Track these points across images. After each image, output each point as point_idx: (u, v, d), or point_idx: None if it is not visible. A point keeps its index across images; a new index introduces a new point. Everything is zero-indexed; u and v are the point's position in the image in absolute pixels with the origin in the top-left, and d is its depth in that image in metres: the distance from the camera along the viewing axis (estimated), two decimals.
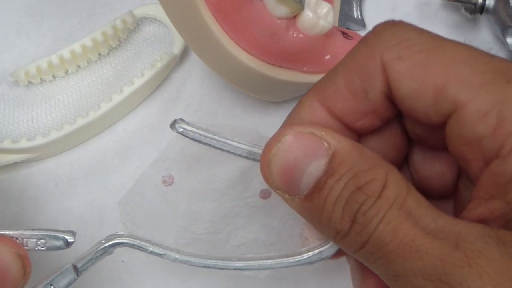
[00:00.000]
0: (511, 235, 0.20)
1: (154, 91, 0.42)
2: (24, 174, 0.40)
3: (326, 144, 0.22)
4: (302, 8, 0.34)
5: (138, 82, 0.40)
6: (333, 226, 0.22)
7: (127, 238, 0.26)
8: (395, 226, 0.21)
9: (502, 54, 0.42)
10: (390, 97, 0.23)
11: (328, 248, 0.25)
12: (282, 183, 0.23)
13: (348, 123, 0.24)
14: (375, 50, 0.23)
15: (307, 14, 0.34)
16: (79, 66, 0.41)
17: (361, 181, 0.21)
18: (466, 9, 0.42)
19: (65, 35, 0.44)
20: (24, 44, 0.44)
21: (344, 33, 0.38)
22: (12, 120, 0.40)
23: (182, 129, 0.25)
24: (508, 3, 0.41)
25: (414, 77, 0.22)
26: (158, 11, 0.42)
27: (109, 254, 0.26)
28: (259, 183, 0.26)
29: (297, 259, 0.26)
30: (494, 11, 0.41)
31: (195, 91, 0.42)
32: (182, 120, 0.26)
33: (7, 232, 0.25)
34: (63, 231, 0.25)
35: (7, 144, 0.38)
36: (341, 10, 0.42)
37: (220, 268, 0.26)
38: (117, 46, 0.42)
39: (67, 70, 0.41)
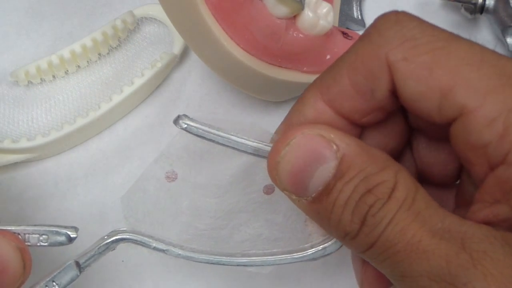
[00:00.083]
0: None
1: (154, 91, 0.42)
2: (24, 174, 0.40)
3: (334, 147, 0.22)
4: (302, 8, 0.34)
5: (138, 82, 0.40)
6: (342, 228, 0.22)
7: (130, 234, 0.26)
8: (403, 227, 0.21)
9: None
10: (396, 94, 0.23)
11: (332, 244, 0.25)
12: (290, 185, 0.23)
13: (354, 121, 0.24)
14: (380, 49, 0.23)
15: (307, 14, 0.34)
16: (79, 66, 0.41)
17: (371, 184, 0.22)
18: (466, 9, 0.42)
19: (65, 35, 0.44)
20: (24, 44, 0.44)
21: (344, 33, 0.38)
22: (12, 120, 0.40)
23: (185, 125, 0.25)
24: (508, 3, 0.41)
25: (419, 79, 0.22)
26: (158, 11, 0.42)
27: (111, 250, 0.26)
28: (262, 179, 0.26)
29: (301, 255, 0.26)
30: (494, 11, 0.41)
31: (195, 91, 0.42)
32: (185, 116, 0.25)
33: (9, 228, 0.25)
34: (65, 227, 0.25)
35: (7, 144, 0.38)
36: (341, 10, 0.42)
37: (223, 264, 0.26)
38: (117, 46, 0.42)
39: (67, 70, 0.41)
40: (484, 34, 0.43)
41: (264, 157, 0.25)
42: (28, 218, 0.38)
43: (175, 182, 0.27)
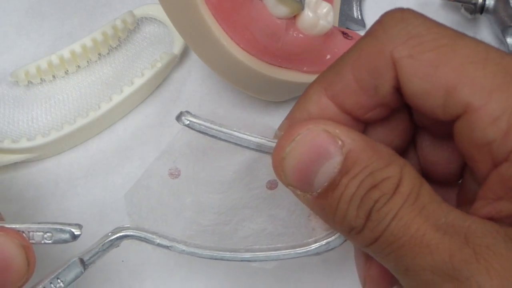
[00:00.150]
0: None
1: (154, 91, 0.42)
2: (24, 174, 0.40)
3: (340, 142, 0.22)
4: (302, 8, 0.34)
5: (138, 82, 0.40)
6: (348, 224, 0.22)
7: (134, 231, 0.26)
8: (408, 221, 0.21)
9: None
10: (400, 91, 0.23)
11: (336, 239, 0.25)
12: (296, 181, 0.23)
13: (358, 116, 0.24)
14: (385, 46, 0.23)
15: (307, 14, 0.34)
16: (79, 66, 0.41)
17: (376, 179, 0.22)
18: (466, 9, 0.42)
19: (65, 35, 0.44)
20: (24, 44, 0.44)
21: (344, 33, 0.38)
22: (12, 120, 0.40)
23: (188, 122, 0.25)
24: (508, 3, 0.41)
25: (424, 77, 0.22)
26: (158, 11, 0.42)
27: (116, 247, 0.26)
28: (265, 174, 0.26)
29: (305, 250, 0.26)
30: (494, 11, 0.41)
31: (195, 91, 0.42)
32: (188, 112, 0.25)
33: (14, 226, 0.25)
34: (69, 224, 0.25)
35: (7, 144, 0.38)
36: (341, 10, 0.42)
37: (227, 260, 0.26)
38: (117, 46, 0.42)
39: (67, 70, 0.41)
40: (484, 34, 0.43)
41: (267, 152, 0.25)
42: (29, 218, 0.38)
43: (178, 179, 0.27)
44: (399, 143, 0.26)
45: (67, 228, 0.25)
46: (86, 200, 0.39)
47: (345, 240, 0.25)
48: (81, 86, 0.41)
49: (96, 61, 0.41)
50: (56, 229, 0.25)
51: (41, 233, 0.25)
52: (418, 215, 0.21)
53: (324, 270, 0.37)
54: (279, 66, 0.36)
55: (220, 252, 0.26)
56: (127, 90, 0.40)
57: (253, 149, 0.25)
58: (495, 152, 0.21)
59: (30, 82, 0.40)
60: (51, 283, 0.25)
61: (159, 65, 0.40)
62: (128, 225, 0.26)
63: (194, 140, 0.26)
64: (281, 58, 0.35)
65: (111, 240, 0.26)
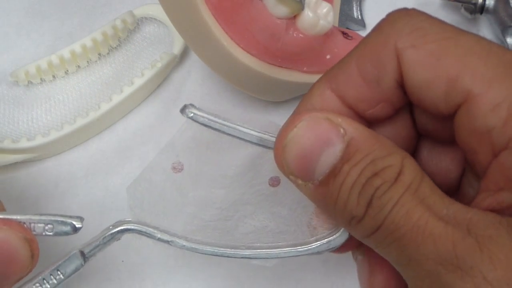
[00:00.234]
0: None
1: (154, 91, 0.42)
2: (24, 174, 0.40)
3: (342, 131, 0.22)
4: (302, 8, 0.34)
5: (138, 82, 0.40)
6: (349, 212, 0.22)
7: (135, 225, 0.26)
8: (409, 210, 0.21)
9: None
10: (402, 86, 0.23)
11: (337, 237, 0.25)
12: (297, 169, 0.23)
13: (359, 111, 0.24)
14: (389, 37, 0.23)
15: (307, 14, 0.34)
16: (79, 66, 0.41)
17: (378, 167, 0.22)
18: (466, 9, 0.42)
19: (65, 35, 0.44)
20: (24, 44, 0.44)
21: (344, 33, 0.38)
22: (12, 120, 0.40)
23: (192, 114, 0.25)
24: (508, 3, 0.41)
25: (427, 66, 0.22)
26: (158, 11, 0.42)
27: (116, 240, 0.26)
28: (268, 171, 0.26)
29: (306, 248, 0.25)
30: (494, 11, 0.41)
31: (195, 91, 0.42)
32: (192, 105, 0.25)
33: (15, 217, 0.25)
34: (70, 217, 0.25)
35: (7, 144, 0.38)
36: (341, 10, 0.42)
37: (227, 256, 0.26)
38: (117, 46, 0.42)
39: (67, 70, 0.41)
40: (484, 34, 0.43)
41: (270, 148, 0.25)
42: None
43: (181, 173, 0.27)
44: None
45: (69, 220, 0.25)
46: (86, 200, 0.39)
47: (347, 240, 0.25)
48: (81, 86, 0.41)
49: (96, 61, 0.41)
50: (57, 221, 0.25)
51: (42, 225, 0.25)
52: (419, 204, 0.21)
53: (324, 270, 0.37)
54: (279, 66, 0.36)
55: (221, 249, 0.26)
56: (127, 90, 0.40)
57: (256, 143, 0.25)
58: (494, 140, 0.21)
59: (30, 82, 0.40)
60: (51, 274, 0.25)
61: (159, 65, 0.40)
62: (130, 219, 0.26)
63: (198, 134, 0.26)
64: (281, 58, 0.35)
65: (112, 234, 0.26)
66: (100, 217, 0.38)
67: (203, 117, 0.25)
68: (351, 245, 0.26)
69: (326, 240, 0.25)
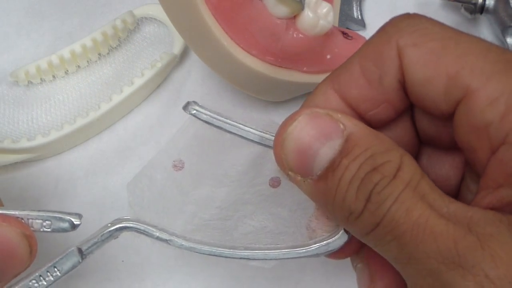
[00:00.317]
0: None
1: (154, 91, 0.42)
2: (24, 174, 0.40)
3: (341, 126, 0.22)
4: (302, 8, 0.34)
5: (138, 82, 0.40)
6: (347, 207, 0.22)
7: (133, 223, 0.26)
8: (409, 207, 0.21)
9: None
10: (404, 87, 0.24)
11: (336, 240, 0.25)
12: (295, 163, 0.23)
13: (362, 112, 0.24)
14: (392, 37, 0.23)
15: (307, 14, 0.34)
16: (79, 66, 0.41)
17: (377, 162, 0.21)
18: (466, 9, 0.42)
19: (65, 35, 0.44)
20: (24, 44, 0.44)
21: (344, 33, 0.38)
22: (12, 120, 0.40)
23: (194, 111, 0.25)
24: (508, 3, 0.41)
25: (427, 64, 0.22)
26: (158, 11, 0.42)
27: (114, 238, 0.26)
28: (269, 171, 0.26)
29: (304, 250, 0.25)
30: (494, 11, 0.41)
31: (195, 91, 0.42)
32: (195, 102, 0.25)
33: (14, 212, 0.25)
34: (69, 213, 0.25)
35: (7, 144, 0.38)
36: (341, 10, 0.42)
37: (225, 256, 0.26)
38: (117, 46, 0.42)
39: (67, 70, 0.41)
40: (484, 34, 0.43)
41: (271, 147, 0.25)
42: None
43: (182, 171, 0.27)
44: None
45: (67, 217, 0.25)
46: (86, 200, 0.39)
47: (346, 242, 0.25)
48: (81, 86, 0.41)
49: (96, 61, 0.41)
50: (55, 218, 0.25)
51: (41, 221, 0.25)
52: (420, 201, 0.21)
53: (324, 271, 0.37)
54: (279, 66, 0.36)
55: (219, 249, 0.26)
56: (127, 90, 0.40)
57: (257, 142, 0.25)
58: (492, 135, 0.21)
59: (30, 82, 0.40)
60: (47, 271, 0.25)
61: (159, 65, 0.40)
62: (128, 217, 0.26)
63: (200, 132, 0.26)
64: (281, 58, 0.35)
65: (110, 231, 0.25)
66: (100, 217, 0.38)
67: (205, 114, 0.25)
68: (350, 250, 0.26)
69: (325, 242, 0.25)
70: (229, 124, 0.25)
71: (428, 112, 0.24)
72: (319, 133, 0.22)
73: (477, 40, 0.23)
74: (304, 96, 0.40)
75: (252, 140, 0.25)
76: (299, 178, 0.23)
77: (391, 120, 0.25)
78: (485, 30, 0.44)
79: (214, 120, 0.25)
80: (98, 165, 0.40)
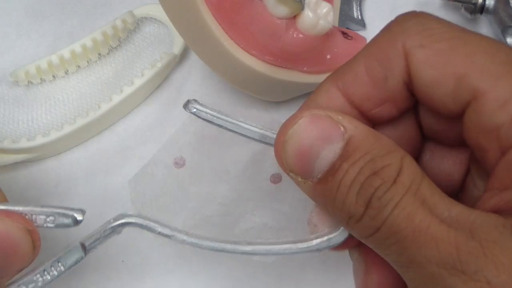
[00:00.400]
0: None
1: (154, 91, 0.42)
2: (24, 174, 0.40)
3: (342, 128, 0.22)
4: (302, 8, 0.34)
5: (138, 82, 0.40)
6: (347, 210, 0.22)
7: (136, 218, 0.26)
8: (410, 212, 0.21)
9: None
10: (409, 86, 0.23)
11: (337, 235, 0.25)
12: (296, 165, 0.23)
13: (365, 111, 0.24)
14: (398, 37, 0.23)
15: (307, 14, 0.34)
16: (79, 66, 0.41)
17: (377, 166, 0.21)
18: (466, 9, 0.42)
19: (65, 35, 0.44)
20: (24, 44, 0.44)
21: (344, 33, 0.38)
22: (12, 120, 0.40)
23: (195, 109, 0.25)
24: (508, 3, 0.41)
25: (435, 65, 0.22)
26: (158, 11, 0.42)
27: (117, 234, 0.26)
28: (270, 167, 0.26)
29: (305, 246, 0.25)
30: (494, 11, 0.41)
31: (195, 91, 0.42)
32: (195, 100, 0.25)
33: (17, 208, 0.25)
34: (72, 209, 0.25)
35: (7, 144, 0.38)
36: (341, 10, 0.42)
37: (227, 252, 0.26)
38: (117, 46, 0.42)
39: (67, 70, 0.41)
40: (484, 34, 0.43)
41: (272, 145, 0.25)
42: None
43: (183, 168, 0.27)
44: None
45: (70, 213, 0.25)
46: (86, 200, 0.39)
47: (347, 237, 0.25)
48: (81, 86, 0.41)
49: (96, 61, 0.41)
50: (59, 213, 0.25)
51: (44, 217, 0.25)
52: (420, 206, 0.21)
53: (324, 270, 0.37)
54: (279, 66, 0.36)
55: (221, 244, 0.26)
56: (127, 90, 0.40)
57: (257, 140, 0.25)
58: (502, 138, 0.21)
59: (30, 82, 0.40)
60: (52, 266, 0.25)
61: (159, 65, 0.40)
62: (131, 213, 0.26)
63: (200, 129, 0.26)
64: (281, 58, 0.35)
65: (112, 227, 0.26)
66: (100, 217, 0.38)
67: (206, 113, 0.25)
68: (350, 243, 0.26)
69: (326, 237, 0.25)
70: (229, 122, 0.25)
71: (435, 111, 0.24)
72: (320, 136, 0.22)
73: (485, 39, 0.22)
74: (305, 96, 0.40)
75: (252, 138, 0.25)
76: (299, 179, 0.23)
77: (394, 117, 0.25)
78: (485, 30, 0.44)
79: (215, 118, 0.25)
80: (98, 165, 0.40)
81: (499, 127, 0.21)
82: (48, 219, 0.25)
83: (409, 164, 0.22)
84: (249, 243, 0.26)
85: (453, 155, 0.26)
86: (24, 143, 0.38)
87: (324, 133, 0.22)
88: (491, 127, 0.21)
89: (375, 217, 0.21)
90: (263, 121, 0.26)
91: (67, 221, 0.25)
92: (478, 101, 0.22)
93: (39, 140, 0.38)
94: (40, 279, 0.25)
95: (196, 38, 0.35)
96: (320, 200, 0.23)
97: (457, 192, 0.26)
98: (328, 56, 0.37)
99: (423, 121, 0.26)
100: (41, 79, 0.41)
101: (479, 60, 0.22)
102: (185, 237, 0.26)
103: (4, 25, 0.44)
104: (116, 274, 0.37)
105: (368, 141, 0.22)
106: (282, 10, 0.33)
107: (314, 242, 0.25)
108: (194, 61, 0.43)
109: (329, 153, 0.22)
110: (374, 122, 0.25)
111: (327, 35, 0.35)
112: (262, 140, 0.25)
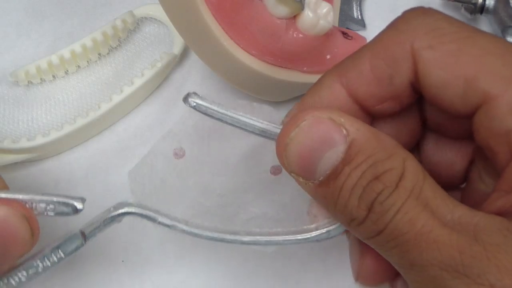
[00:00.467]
0: None
1: (154, 91, 0.42)
2: (24, 174, 0.40)
3: (344, 131, 0.22)
4: (302, 8, 0.34)
5: (138, 82, 0.40)
6: (349, 213, 0.22)
7: (136, 208, 0.26)
8: (413, 217, 0.21)
9: None
10: (415, 85, 0.23)
11: (336, 227, 0.25)
12: (298, 168, 0.23)
13: (367, 106, 0.24)
14: (405, 37, 0.23)
15: (307, 14, 0.34)
16: (79, 66, 0.41)
17: (379, 171, 0.21)
18: (466, 9, 0.42)
19: (65, 35, 0.44)
20: (24, 44, 0.44)
21: (344, 33, 0.38)
22: (12, 120, 0.40)
23: (195, 104, 0.25)
24: (508, 3, 0.41)
25: (444, 67, 0.22)
26: (158, 11, 0.42)
27: (117, 223, 0.26)
28: (270, 160, 0.26)
29: (305, 237, 0.25)
30: (494, 11, 0.41)
31: (195, 91, 0.42)
32: (195, 94, 0.25)
33: (17, 196, 0.25)
34: (72, 198, 0.25)
35: (7, 144, 0.38)
36: (341, 10, 0.42)
37: (227, 242, 0.26)
38: (117, 46, 0.42)
39: (67, 70, 0.41)
40: None
41: (272, 138, 0.25)
42: None
43: (183, 159, 0.27)
44: (405, 142, 0.26)
45: (70, 201, 0.25)
46: (86, 200, 0.39)
47: (346, 229, 0.25)
48: (81, 86, 0.41)
49: (96, 61, 0.41)
50: (59, 202, 0.25)
51: (44, 205, 0.25)
52: (423, 211, 0.21)
53: (324, 270, 0.37)
54: (279, 66, 0.36)
55: (221, 234, 0.26)
56: (127, 90, 0.40)
57: (258, 134, 0.25)
58: None
59: (30, 82, 0.40)
60: (52, 252, 0.25)
61: (159, 65, 0.40)
62: (131, 201, 0.26)
63: (201, 121, 0.26)
64: (281, 58, 0.35)
65: (112, 216, 0.26)
66: None
67: (205, 106, 0.25)
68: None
69: (325, 229, 0.25)
70: (229, 116, 0.25)
71: (444, 111, 0.24)
72: (322, 139, 0.22)
73: (494, 39, 0.22)
74: None
75: (253, 132, 0.25)
76: (301, 179, 0.23)
77: (396, 112, 0.25)
78: (485, 30, 0.44)
79: (215, 112, 0.25)
80: (98, 165, 0.40)
81: (510, 131, 0.21)
82: (48, 207, 0.25)
83: (411, 166, 0.22)
84: (249, 234, 0.26)
85: (456, 144, 0.26)
86: (24, 143, 0.38)
87: (326, 136, 0.22)
88: (502, 131, 0.21)
89: (377, 221, 0.21)
90: (266, 109, 0.26)
91: (67, 209, 0.25)
92: (489, 105, 0.21)
93: (39, 140, 0.38)
94: (40, 264, 0.25)
95: (196, 38, 0.35)
96: (321, 200, 0.23)
97: (460, 182, 0.26)
98: (328, 56, 0.37)
99: (427, 115, 0.26)
100: (41, 79, 0.41)
101: (489, 61, 0.22)
102: (184, 227, 0.26)
103: (4, 25, 0.44)
104: (116, 274, 0.37)
105: (370, 144, 0.22)
106: (282, 10, 0.33)
107: (314, 233, 0.25)
108: (194, 61, 0.43)
109: (331, 156, 0.22)
110: (375, 116, 0.25)
111: (327, 35, 0.35)
112: (262, 134, 0.25)
